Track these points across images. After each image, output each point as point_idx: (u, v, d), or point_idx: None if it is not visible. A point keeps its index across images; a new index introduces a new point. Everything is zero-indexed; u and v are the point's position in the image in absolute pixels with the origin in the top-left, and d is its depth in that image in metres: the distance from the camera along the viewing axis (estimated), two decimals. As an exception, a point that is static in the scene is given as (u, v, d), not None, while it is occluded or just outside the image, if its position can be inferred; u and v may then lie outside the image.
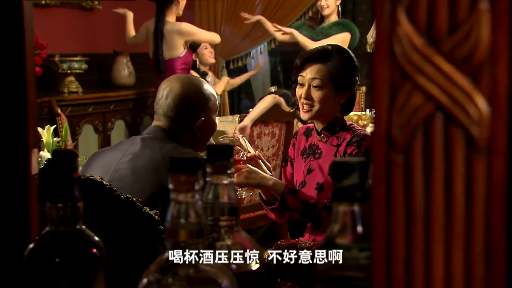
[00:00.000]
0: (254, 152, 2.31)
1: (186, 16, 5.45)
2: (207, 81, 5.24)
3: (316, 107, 2.26)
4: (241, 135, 2.35)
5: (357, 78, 2.31)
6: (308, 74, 2.28)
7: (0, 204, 0.95)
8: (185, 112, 2.10)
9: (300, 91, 2.30)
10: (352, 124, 2.33)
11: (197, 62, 5.32)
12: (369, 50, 5.20)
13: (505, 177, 0.50)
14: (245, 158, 2.26)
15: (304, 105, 2.28)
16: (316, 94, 2.26)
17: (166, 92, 2.11)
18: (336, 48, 2.35)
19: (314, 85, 2.26)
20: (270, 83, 6.77)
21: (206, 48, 5.31)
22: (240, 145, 2.30)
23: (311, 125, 2.40)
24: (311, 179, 2.31)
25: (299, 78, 2.31)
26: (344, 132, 2.28)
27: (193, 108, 2.12)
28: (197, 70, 5.26)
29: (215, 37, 5.13)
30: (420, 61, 0.52)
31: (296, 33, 4.98)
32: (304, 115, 2.31)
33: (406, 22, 0.53)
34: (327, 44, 2.42)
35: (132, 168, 1.96)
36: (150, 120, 4.10)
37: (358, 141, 2.21)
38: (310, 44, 4.65)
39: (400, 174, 0.54)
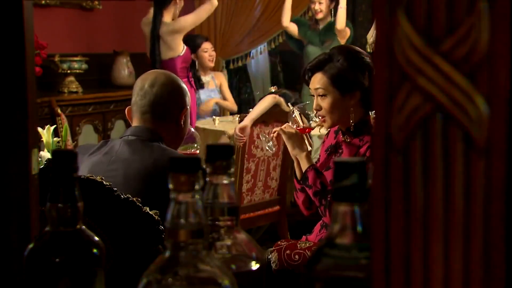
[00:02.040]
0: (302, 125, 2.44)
1: (186, 16, 5.44)
2: (202, 85, 5.22)
3: (327, 116, 2.30)
4: (296, 109, 2.40)
5: (364, 74, 2.31)
6: (312, 85, 2.33)
7: (0, 204, 0.95)
8: (173, 101, 2.07)
9: (314, 104, 2.37)
10: None
11: (196, 63, 5.27)
12: (369, 50, 5.23)
13: (504, 177, 0.50)
14: (301, 128, 2.39)
15: (320, 116, 2.34)
16: (323, 104, 2.31)
17: (148, 84, 2.05)
18: (335, 52, 2.37)
19: (319, 94, 2.30)
20: (270, 83, 6.77)
21: (206, 51, 5.26)
22: (294, 119, 2.43)
23: None
24: (328, 175, 2.33)
25: (311, 91, 2.36)
26: (368, 136, 2.29)
27: (179, 96, 2.09)
28: (196, 77, 5.21)
29: (201, 14, 4.83)
30: (420, 61, 0.52)
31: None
32: (324, 125, 2.39)
33: (405, 22, 0.53)
34: (331, 49, 2.44)
35: (123, 175, 1.91)
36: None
37: None
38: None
39: (399, 174, 0.54)
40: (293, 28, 5.30)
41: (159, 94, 2.05)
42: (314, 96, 2.36)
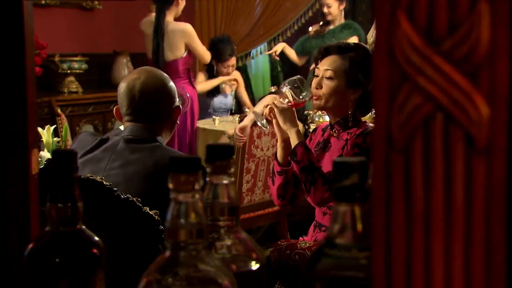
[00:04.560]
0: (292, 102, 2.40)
1: (187, 17, 5.44)
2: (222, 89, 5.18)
3: (324, 97, 2.30)
4: (286, 84, 2.38)
5: (370, 81, 2.31)
6: (323, 65, 2.32)
7: (0, 204, 0.95)
8: (168, 99, 2.09)
9: (314, 81, 2.36)
10: (366, 122, 2.35)
11: (214, 69, 5.15)
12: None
13: (505, 177, 0.50)
14: (292, 103, 2.36)
15: (315, 94, 2.33)
16: (326, 85, 2.30)
17: (141, 84, 2.05)
18: (358, 46, 2.41)
19: (326, 76, 2.31)
20: (270, 83, 6.78)
21: (226, 68, 5.13)
22: (284, 94, 2.38)
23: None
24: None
25: (316, 70, 2.37)
26: (356, 128, 2.30)
27: (173, 94, 2.12)
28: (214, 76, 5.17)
29: (206, 57, 4.94)
30: (420, 61, 0.52)
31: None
32: (314, 103, 2.38)
33: (406, 22, 0.53)
34: (354, 43, 2.47)
35: (123, 174, 1.90)
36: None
37: (367, 133, 2.23)
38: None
39: (400, 174, 0.54)
40: (289, 52, 5.44)
41: (155, 93, 2.06)
42: (316, 75, 2.35)
